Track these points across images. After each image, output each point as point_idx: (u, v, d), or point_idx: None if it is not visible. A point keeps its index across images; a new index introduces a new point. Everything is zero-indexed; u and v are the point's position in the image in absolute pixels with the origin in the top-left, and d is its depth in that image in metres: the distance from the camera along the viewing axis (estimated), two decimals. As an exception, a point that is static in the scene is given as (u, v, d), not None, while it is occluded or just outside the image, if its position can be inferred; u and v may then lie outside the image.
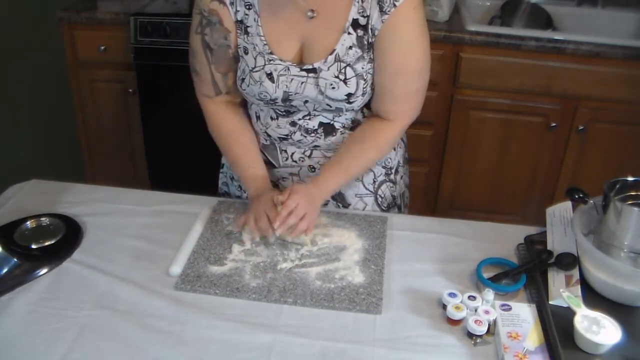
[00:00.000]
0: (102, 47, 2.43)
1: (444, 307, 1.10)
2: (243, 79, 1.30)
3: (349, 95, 1.26)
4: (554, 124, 2.30)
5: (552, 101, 2.28)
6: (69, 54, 2.50)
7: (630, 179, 1.15)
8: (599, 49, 2.17)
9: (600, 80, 2.21)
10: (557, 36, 2.24)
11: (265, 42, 1.27)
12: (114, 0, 2.53)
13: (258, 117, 1.38)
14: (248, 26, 1.28)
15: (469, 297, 1.10)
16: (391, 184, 1.47)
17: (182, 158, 2.55)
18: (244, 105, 1.43)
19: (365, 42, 1.24)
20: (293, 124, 1.34)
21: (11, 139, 2.47)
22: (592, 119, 2.28)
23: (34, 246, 1.23)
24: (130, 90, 2.50)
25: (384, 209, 1.47)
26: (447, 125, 2.39)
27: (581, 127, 2.29)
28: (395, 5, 1.19)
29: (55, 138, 2.76)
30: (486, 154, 2.41)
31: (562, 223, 1.23)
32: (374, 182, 1.44)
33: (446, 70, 2.27)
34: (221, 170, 1.57)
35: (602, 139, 2.32)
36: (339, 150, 1.34)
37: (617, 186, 1.14)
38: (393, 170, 1.47)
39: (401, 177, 1.52)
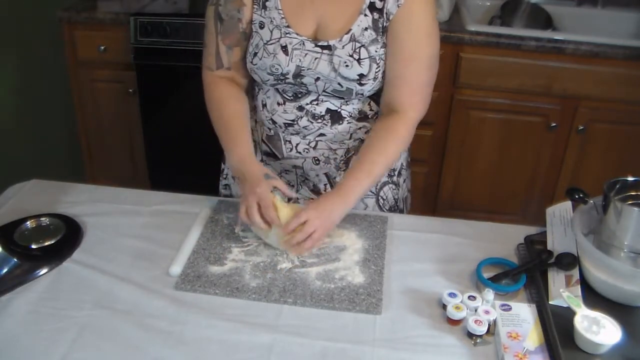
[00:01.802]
0: (102, 47, 2.43)
1: (444, 307, 1.10)
2: (255, 54, 1.30)
3: (361, 76, 1.26)
4: (554, 124, 2.30)
5: (552, 101, 2.28)
6: (69, 54, 2.49)
7: (630, 179, 1.15)
8: (599, 49, 2.16)
9: (600, 80, 2.21)
10: (557, 36, 2.23)
11: (282, 16, 1.28)
12: (114, 0, 2.53)
13: (264, 105, 1.38)
14: (267, 0, 1.29)
15: (469, 297, 1.10)
16: (394, 186, 1.47)
17: (182, 158, 2.55)
18: (246, 91, 1.41)
19: (380, 26, 1.25)
20: (300, 108, 1.33)
21: (11, 139, 2.47)
22: (592, 119, 2.28)
23: (34, 246, 1.23)
24: (130, 90, 2.49)
25: (385, 211, 1.46)
26: (447, 125, 2.38)
27: (581, 127, 2.29)
28: None
29: (55, 138, 2.76)
30: (486, 154, 2.41)
31: (562, 223, 1.23)
32: (376, 183, 1.44)
33: (446, 70, 2.27)
34: (222, 176, 1.56)
35: (602, 139, 2.31)
36: (358, 156, 1.32)
37: (617, 186, 1.14)
38: (396, 172, 1.47)
39: (404, 181, 1.51)
